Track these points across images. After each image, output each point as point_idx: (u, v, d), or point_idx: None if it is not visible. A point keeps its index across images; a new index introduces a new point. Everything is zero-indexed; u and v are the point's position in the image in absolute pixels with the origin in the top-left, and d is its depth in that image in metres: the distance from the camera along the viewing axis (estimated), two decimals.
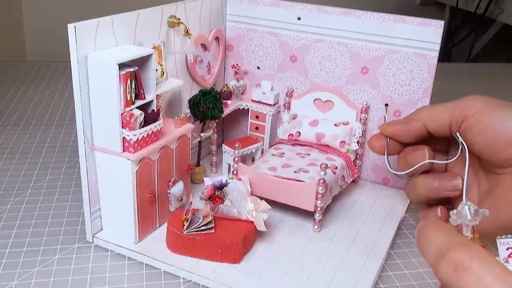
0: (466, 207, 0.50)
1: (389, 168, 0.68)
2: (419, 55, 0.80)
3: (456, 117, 0.61)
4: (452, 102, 0.63)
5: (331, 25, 0.85)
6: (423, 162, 0.64)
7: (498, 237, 0.54)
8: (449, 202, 0.67)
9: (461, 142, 0.62)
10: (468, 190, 0.63)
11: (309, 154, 0.85)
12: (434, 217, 0.65)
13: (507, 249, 0.52)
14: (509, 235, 0.53)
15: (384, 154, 0.69)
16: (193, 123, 0.79)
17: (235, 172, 0.79)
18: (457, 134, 0.63)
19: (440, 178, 0.64)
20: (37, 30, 1.87)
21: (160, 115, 0.70)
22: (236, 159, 0.80)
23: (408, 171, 0.66)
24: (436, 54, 0.79)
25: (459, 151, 0.62)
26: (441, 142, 0.68)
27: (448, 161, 0.64)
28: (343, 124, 0.87)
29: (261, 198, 0.73)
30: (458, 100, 0.62)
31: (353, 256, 0.71)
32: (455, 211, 0.50)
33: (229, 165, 0.89)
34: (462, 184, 0.58)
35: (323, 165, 0.74)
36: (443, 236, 0.41)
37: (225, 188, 0.72)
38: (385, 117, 0.84)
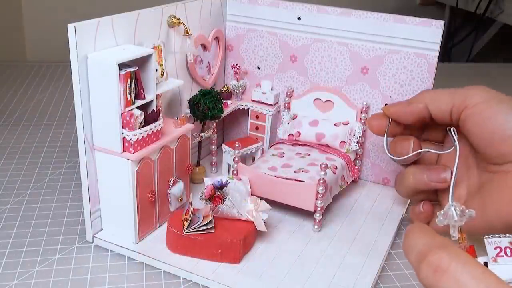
0: (452, 208, 0.50)
1: (387, 151, 0.68)
2: (419, 55, 0.80)
3: (457, 105, 0.60)
4: (455, 89, 0.62)
5: (331, 25, 0.85)
6: (420, 151, 0.64)
7: (486, 236, 0.54)
8: (436, 198, 0.66)
9: (454, 138, 0.61)
10: (458, 185, 0.63)
11: (309, 154, 0.85)
12: (419, 212, 0.65)
13: (495, 248, 0.53)
14: (497, 235, 0.53)
15: (383, 135, 0.69)
16: (193, 123, 0.79)
17: (235, 172, 0.79)
18: (452, 129, 0.63)
19: (429, 169, 0.63)
20: (37, 30, 1.87)
21: (160, 115, 0.70)
22: (236, 159, 0.80)
23: (405, 157, 0.66)
24: (436, 54, 0.79)
25: (454, 145, 0.61)
26: (439, 131, 0.67)
27: (444, 152, 0.64)
28: (343, 124, 0.87)
29: (261, 198, 0.73)
30: (462, 88, 0.62)
31: (353, 256, 0.71)
32: (442, 211, 0.50)
33: (229, 165, 0.89)
34: (451, 177, 0.58)
35: (323, 165, 0.74)
36: (424, 239, 0.41)
37: (225, 188, 0.72)
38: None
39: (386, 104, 0.85)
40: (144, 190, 0.70)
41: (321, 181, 0.74)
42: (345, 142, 0.86)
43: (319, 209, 0.75)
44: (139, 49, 0.67)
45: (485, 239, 0.54)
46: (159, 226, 0.75)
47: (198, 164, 0.88)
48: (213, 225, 0.69)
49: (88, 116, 0.66)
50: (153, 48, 0.73)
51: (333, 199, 0.80)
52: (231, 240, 0.68)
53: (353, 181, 0.88)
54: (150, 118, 0.68)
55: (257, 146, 0.92)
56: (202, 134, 0.86)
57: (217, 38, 0.92)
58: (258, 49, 0.93)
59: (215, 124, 0.89)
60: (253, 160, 0.92)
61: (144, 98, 0.68)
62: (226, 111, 0.90)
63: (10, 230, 0.75)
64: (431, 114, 0.63)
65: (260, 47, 0.92)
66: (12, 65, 1.49)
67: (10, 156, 0.97)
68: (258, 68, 0.94)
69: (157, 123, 0.69)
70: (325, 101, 0.89)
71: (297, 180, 0.77)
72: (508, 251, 0.52)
